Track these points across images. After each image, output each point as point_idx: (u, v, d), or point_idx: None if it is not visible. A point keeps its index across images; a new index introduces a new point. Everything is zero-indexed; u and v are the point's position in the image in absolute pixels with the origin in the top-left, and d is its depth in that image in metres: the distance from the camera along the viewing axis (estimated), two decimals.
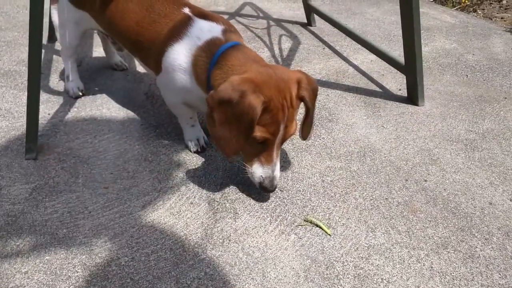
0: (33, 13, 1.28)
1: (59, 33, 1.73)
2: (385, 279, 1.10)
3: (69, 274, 1.06)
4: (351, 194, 1.38)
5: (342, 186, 1.41)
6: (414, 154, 1.58)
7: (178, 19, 1.37)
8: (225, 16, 2.61)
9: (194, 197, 1.33)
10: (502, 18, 3.25)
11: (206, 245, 1.17)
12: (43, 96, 1.77)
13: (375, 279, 1.10)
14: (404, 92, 1.99)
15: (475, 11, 3.41)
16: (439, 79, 2.17)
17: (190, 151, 1.52)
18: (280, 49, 2.39)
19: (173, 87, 1.38)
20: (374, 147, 1.61)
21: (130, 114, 1.71)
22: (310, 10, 2.70)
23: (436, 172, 1.49)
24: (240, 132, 1.16)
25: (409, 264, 1.15)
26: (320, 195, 1.37)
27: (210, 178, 1.41)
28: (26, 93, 1.38)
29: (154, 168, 1.43)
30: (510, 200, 1.39)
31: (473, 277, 1.12)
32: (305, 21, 2.79)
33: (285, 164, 1.50)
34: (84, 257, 1.11)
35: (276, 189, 1.36)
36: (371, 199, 1.36)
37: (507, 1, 3.51)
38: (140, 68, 2.08)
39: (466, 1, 3.46)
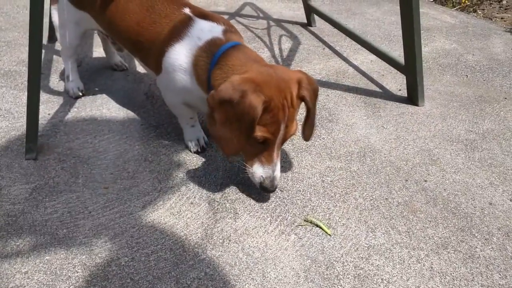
0: (33, 13, 1.28)
1: (59, 33, 1.73)
2: (385, 279, 1.10)
3: (69, 274, 1.06)
4: (351, 194, 1.38)
5: (342, 186, 1.41)
6: (414, 154, 1.58)
7: (179, 19, 1.37)
8: (225, 16, 2.61)
9: (194, 197, 1.33)
10: (502, 18, 3.25)
11: (206, 245, 1.17)
12: (43, 96, 1.77)
13: (375, 279, 1.10)
14: (404, 92, 1.99)
15: (475, 11, 3.41)
16: (439, 79, 2.17)
17: (190, 151, 1.52)
18: (280, 49, 2.39)
19: (174, 87, 1.39)
20: (374, 147, 1.61)
21: (130, 114, 1.71)
22: (310, 11, 2.70)
23: (436, 172, 1.49)
24: (241, 132, 1.16)
25: (409, 264, 1.15)
26: (320, 195, 1.37)
27: (210, 178, 1.41)
28: (26, 93, 1.38)
29: (154, 168, 1.43)
30: (510, 200, 1.39)
31: (473, 277, 1.12)
32: (305, 21, 2.79)
33: (285, 164, 1.50)
34: (84, 257, 1.11)
35: (276, 189, 1.36)
36: (371, 199, 1.36)
37: (507, 1, 3.51)
38: (140, 68, 2.08)
39: (466, 1, 3.46)
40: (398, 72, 2.04)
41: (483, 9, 3.44)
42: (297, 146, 1.59)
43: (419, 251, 1.19)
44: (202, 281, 1.06)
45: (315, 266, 1.13)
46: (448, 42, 2.62)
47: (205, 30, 1.33)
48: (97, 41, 2.29)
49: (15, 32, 2.37)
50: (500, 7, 3.46)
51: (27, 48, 1.33)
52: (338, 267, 1.13)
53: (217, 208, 1.29)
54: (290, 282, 1.08)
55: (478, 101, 1.97)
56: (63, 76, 1.93)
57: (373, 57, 2.29)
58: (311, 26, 2.76)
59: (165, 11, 1.39)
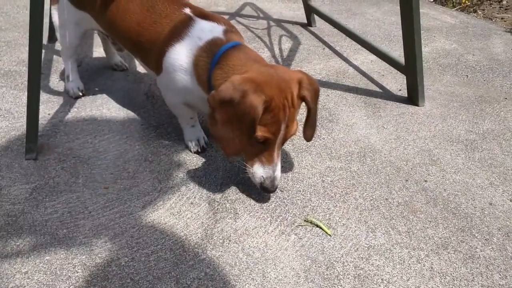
0: (33, 13, 1.28)
1: (59, 33, 1.73)
2: (385, 280, 1.10)
3: (69, 274, 1.06)
4: (351, 195, 1.38)
5: (342, 187, 1.41)
6: (414, 154, 1.58)
7: (179, 19, 1.37)
8: (226, 17, 2.61)
9: (194, 197, 1.33)
10: (502, 18, 3.25)
11: (206, 246, 1.17)
12: (43, 96, 1.77)
13: (375, 280, 1.10)
14: (404, 93, 1.99)
15: (475, 11, 3.41)
16: (439, 79, 2.17)
17: (191, 151, 1.52)
18: (280, 49, 2.39)
19: (174, 88, 1.38)
20: (374, 148, 1.61)
21: (130, 114, 1.71)
22: (310, 11, 2.70)
23: (436, 173, 1.49)
24: (243, 132, 1.16)
25: (409, 264, 1.15)
26: (320, 195, 1.37)
27: (211, 179, 1.41)
28: (26, 93, 1.38)
29: (154, 168, 1.43)
30: (510, 201, 1.39)
31: (473, 277, 1.12)
32: (305, 21, 2.79)
33: (285, 164, 1.50)
34: (84, 257, 1.11)
35: (277, 190, 1.36)
36: (371, 200, 1.36)
37: (507, 2, 3.51)
38: (140, 68, 2.08)
39: (466, 2, 3.46)
40: (398, 72, 2.04)
41: (483, 9, 3.44)
42: (297, 146, 1.59)
43: (419, 251, 1.19)
44: (202, 281, 1.06)
45: (315, 266, 1.13)
46: (448, 42, 2.62)
47: (206, 30, 1.33)
48: (97, 41, 2.29)
49: (15, 32, 2.37)
50: (500, 7, 3.46)
51: (27, 48, 1.33)
52: (338, 267, 1.13)
53: (217, 208, 1.29)
54: (290, 282, 1.08)
55: (478, 101, 1.97)
56: (63, 76, 1.93)
57: (373, 57, 2.29)
58: (311, 26, 2.76)
59: (165, 11, 1.39)
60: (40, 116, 1.48)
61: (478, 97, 2.00)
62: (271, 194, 1.34)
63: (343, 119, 1.78)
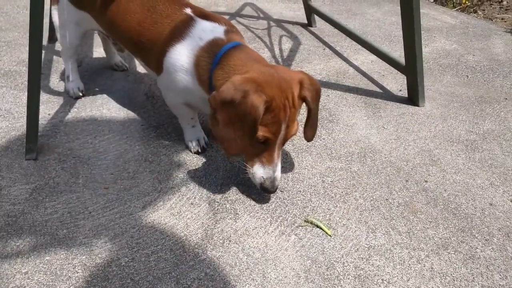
0: (34, 13, 1.28)
1: (60, 33, 1.73)
2: (385, 280, 1.10)
3: (69, 274, 1.06)
4: (352, 195, 1.38)
5: (342, 187, 1.41)
6: (414, 154, 1.58)
7: (180, 19, 1.37)
8: (226, 17, 2.61)
9: (195, 198, 1.33)
10: (502, 19, 3.25)
11: (207, 246, 1.17)
12: (43, 96, 1.77)
13: (376, 280, 1.10)
14: (404, 93, 1.99)
15: (475, 11, 3.41)
16: (440, 79, 2.17)
17: (191, 151, 1.52)
18: (281, 49, 2.39)
19: (175, 88, 1.38)
20: (375, 148, 1.61)
21: (131, 114, 1.71)
22: (310, 11, 2.70)
23: (437, 173, 1.49)
24: (244, 132, 1.16)
25: (409, 265, 1.15)
26: (321, 195, 1.37)
27: (211, 179, 1.41)
28: (26, 94, 1.38)
29: (155, 168, 1.43)
30: (511, 201, 1.39)
31: (473, 278, 1.12)
32: (306, 21, 2.79)
33: (286, 164, 1.49)
34: (84, 257, 1.11)
35: (277, 190, 1.36)
36: (371, 200, 1.36)
37: (507, 2, 3.51)
38: (140, 68, 2.08)
39: (467, 2, 3.46)
40: (399, 72, 2.04)
41: (484, 10, 3.44)
42: (298, 147, 1.59)
43: (420, 252, 1.19)
44: (202, 282, 1.06)
45: (316, 266, 1.12)
46: (449, 43, 2.62)
47: (207, 31, 1.33)
48: (97, 41, 2.29)
49: (15, 32, 2.37)
50: (500, 7, 3.46)
51: (27, 48, 1.33)
52: (339, 268, 1.12)
53: (217, 209, 1.29)
54: (290, 283, 1.08)
55: (479, 101, 1.97)
56: (63, 76, 1.93)
57: (373, 57, 2.29)
58: (312, 26, 2.76)
59: (166, 11, 1.39)
60: (40, 116, 1.48)
61: (479, 98, 2.00)
62: (271, 195, 1.34)
63: (344, 120, 1.78)
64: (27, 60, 1.35)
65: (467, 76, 2.22)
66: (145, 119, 1.69)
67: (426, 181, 1.45)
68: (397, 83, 2.09)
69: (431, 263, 1.15)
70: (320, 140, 1.64)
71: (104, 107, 1.75)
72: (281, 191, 1.37)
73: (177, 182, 1.38)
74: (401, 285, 1.09)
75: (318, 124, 1.72)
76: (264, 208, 1.31)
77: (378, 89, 2.04)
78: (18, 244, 1.13)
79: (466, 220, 1.30)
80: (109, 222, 1.21)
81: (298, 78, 1.22)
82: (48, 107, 1.72)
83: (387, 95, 1.99)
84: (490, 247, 1.21)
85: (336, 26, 2.42)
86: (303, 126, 1.34)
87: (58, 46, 2.24)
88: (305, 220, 1.27)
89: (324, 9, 2.67)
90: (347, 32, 2.33)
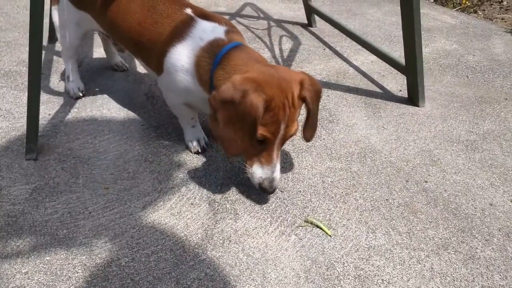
0: (34, 13, 1.28)
1: (60, 34, 1.73)
2: (385, 280, 1.10)
3: (69, 274, 1.06)
4: (352, 195, 1.38)
5: (342, 187, 1.41)
6: (414, 155, 1.58)
7: (180, 20, 1.37)
8: (226, 17, 2.61)
9: (195, 198, 1.33)
10: (502, 19, 3.25)
11: (207, 246, 1.17)
12: (44, 96, 1.77)
13: (376, 280, 1.10)
14: (404, 93, 1.99)
15: (475, 12, 3.41)
16: (440, 80, 2.17)
17: (191, 151, 1.52)
18: (281, 49, 2.39)
19: (175, 88, 1.38)
20: (375, 148, 1.61)
21: (131, 114, 1.71)
22: (310, 11, 2.70)
23: (437, 173, 1.49)
24: (245, 132, 1.16)
25: (409, 265, 1.15)
26: (321, 196, 1.37)
27: (211, 179, 1.41)
28: (26, 94, 1.38)
29: (155, 168, 1.43)
30: (511, 201, 1.39)
31: (473, 278, 1.12)
32: (306, 21, 2.79)
33: (286, 165, 1.49)
34: (84, 257, 1.11)
35: (277, 190, 1.36)
36: (371, 200, 1.36)
37: (507, 2, 3.51)
38: (140, 68, 2.08)
39: (467, 2, 3.46)
40: (399, 72, 2.04)
41: (484, 10, 3.44)
42: (298, 147, 1.59)
43: (420, 252, 1.19)
44: (202, 282, 1.06)
45: (316, 266, 1.12)
46: (449, 43, 2.62)
47: (207, 31, 1.33)
48: (97, 42, 2.29)
49: (16, 33, 2.37)
50: (500, 7, 3.46)
51: (27, 49, 1.33)
52: (339, 268, 1.12)
53: (218, 209, 1.29)
54: (290, 283, 1.08)
55: (479, 101, 1.97)
56: (63, 76, 1.93)
57: (373, 57, 2.29)
58: (312, 26, 2.76)
59: (166, 12, 1.39)
60: (40, 117, 1.48)
61: (479, 98, 2.00)
62: (272, 195, 1.34)
63: (344, 120, 1.78)
64: (27, 60, 1.35)
65: (467, 76, 2.22)
66: (145, 119, 1.69)
67: (426, 182, 1.45)
68: (397, 83, 2.09)
69: (431, 263, 1.15)
70: (320, 140, 1.64)
71: (104, 107, 1.75)
72: (281, 191, 1.37)
73: (177, 182, 1.38)
74: (401, 285, 1.09)
75: (318, 124, 1.72)
76: (264, 208, 1.31)
77: (378, 89, 2.04)
78: (18, 244, 1.13)
79: (466, 221, 1.30)
80: (109, 222, 1.21)
81: (299, 79, 1.22)
82: (48, 107, 1.72)
83: (387, 95, 1.99)
84: (490, 248, 1.21)
85: (336, 26, 2.42)
86: (302, 126, 1.34)
87: (58, 46, 2.24)
88: (305, 220, 1.27)
89: (324, 9, 2.68)
90: (347, 32, 2.33)
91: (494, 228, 1.28)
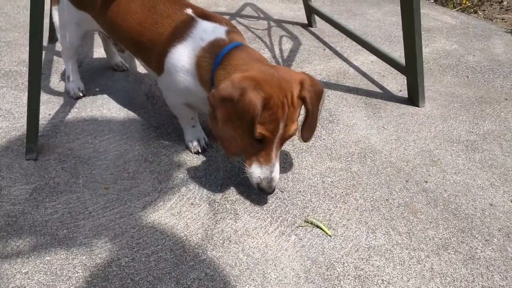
0: (34, 13, 1.28)
1: (60, 34, 1.73)
2: (385, 280, 1.10)
3: (69, 274, 1.06)
4: (352, 195, 1.38)
5: (342, 187, 1.41)
6: (414, 155, 1.58)
7: (181, 20, 1.37)
8: (226, 17, 2.61)
9: (195, 198, 1.33)
10: (502, 19, 3.25)
11: (207, 246, 1.17)
12: (44, 96, 1.77)
13: (376, 280, 1.10)
14: (404, 93, 1.99)
15: (475, 12, 3.41)
16: (440, 80, 2.17)
17: (191, 151, 1.52)
18: (281, 50, 2.39)
19: (176, 88, 1.38)
20: (375, 148, 1.61)
21: (131, 114, 1.72)
22: (310, 11, 2.70)
23: (437, 173, 1.49)
24: (244, 130, 1.16)
25: (409, 265, 1.15)
26: (321, 196, 1.37)
27: (211, 179, 1.41)
28: (26, 94, 1.38)
29: (155, 168, 1.43)
30: (511, 202, 1.39)
31: (473, 278, 1.12)
32: (306, 22, 2.79)
33: (286, 165, 1.50)
34: (84, 257, 1.11)
35: (276, 190, 1.36)
36: (371, 200, 1.36)
37: (507, 2, 3.51)
38: (140, 68, 2.08)
39: (467, 2, 3.46)
40: (399, 73, 2.04)
41: (484, 10, 3.44)
42: (298, 147, 1.59)
43: (420, 252, 1.19)
44: (202, 282, 1.06)
45: (316, 267, 1.12)
46: (449, 43, 2.62)
47: (208, 31, 1.33)
48: (97, 42, 2.29)
49: (16, 33, 2.37)
50: (500, 8, 3.46)
51: (27, 49, 1.33)
52: (339, 268, 1.12)
53: (218, 209, 1.29)
54: (290, 283, 1.08)
55: (479, 102, 1.97)
56: (63, 76, 1.93)
57: (373, 57, 2.29)
58: (312, 26, 2.76)
59: (167, 12, 1.39)
60: (40, 117, 1.48)
61: (479, 98, 2.00)
62: (271, 195, 1.34)
63: (344, 120, 1.78)
64: (27, 60, 1.35)
65: (467, 76, 2.22)
66: (146, 119, 1.69)
67: (426, 182, 1.45)
68: (397, 84, 2.09)
69: (431, 264, 1.15)
70: (320, 140, 1.64)
71: (105, 107, 1.75)
72: (281, 191, 1.37)
73: (177, 182, 1.38)
74: (401, 285, 1.09)
75: (318, 124, 1.72)
76: (264, 208, 1.31)
77: (378, 90, 2.04)
78: (18, 244, 1.14)
79: (466, 221, 1.30)
80: (109, 222, 1.21)
81: (299, 79, 1.22)
82: (49, 107, 1.72)
83: (387, 96, 1.99)
84: (490, 248, 1.21)
85: (336, 26, 2.42)
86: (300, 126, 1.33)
87: (58, 46, 2.24)
88: (305, 221, 1.27)
89: (324, 10, 2.68)
90: (347, 32, 2.33)
91: (494, 228, 1.28)
